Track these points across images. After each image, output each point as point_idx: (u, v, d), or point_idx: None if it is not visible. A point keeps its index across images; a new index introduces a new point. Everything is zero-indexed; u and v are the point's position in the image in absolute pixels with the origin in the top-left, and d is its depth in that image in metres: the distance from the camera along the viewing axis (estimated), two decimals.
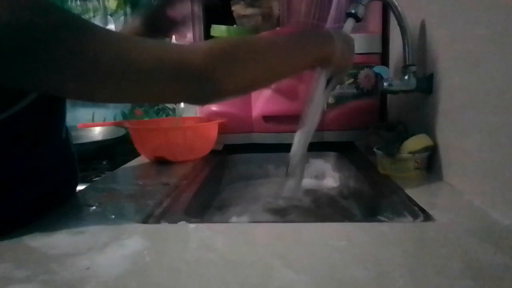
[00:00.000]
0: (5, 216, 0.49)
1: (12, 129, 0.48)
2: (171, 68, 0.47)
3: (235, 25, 1.10)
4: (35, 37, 0.40)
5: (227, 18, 1.10)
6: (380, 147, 0.73)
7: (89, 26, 0.44)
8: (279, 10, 1.06)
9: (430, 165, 0.71)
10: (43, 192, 0.55)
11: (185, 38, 1.11)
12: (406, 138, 0.71)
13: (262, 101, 1.04)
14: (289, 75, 0.61)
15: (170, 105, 1.51)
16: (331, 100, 1.02)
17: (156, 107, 1.51)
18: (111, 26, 1.48)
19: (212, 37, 1.08)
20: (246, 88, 0.58)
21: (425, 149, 0.69)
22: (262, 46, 0.56)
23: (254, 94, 1.05)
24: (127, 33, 0.51)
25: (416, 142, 0.69)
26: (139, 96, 0.51)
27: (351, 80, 1.01)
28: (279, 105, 1.03)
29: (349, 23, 0.70)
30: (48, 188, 0.56)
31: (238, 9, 1.08)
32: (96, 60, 0.43)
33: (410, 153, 0.69)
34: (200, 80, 0.49)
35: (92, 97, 0.50)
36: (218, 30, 1.07)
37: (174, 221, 0.54)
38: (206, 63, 0.49)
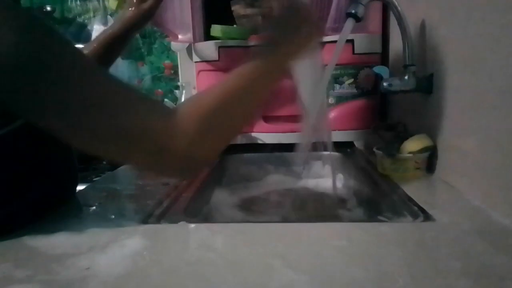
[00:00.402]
0: (6, 216, 0.49)
1: (16, 139, 0.48)
2: (151, 144, 0.45)
3: (235, 25, 1.10)
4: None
5: (228, 18, 1.10)
6: (380, 147, 0.73)
7: (84, 71, 0.44)
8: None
9: (430, 165, 0.71)
10: (44, 193, 0.54)
11: (176, 39, 1.11)
12: (406, 138, 0.71)
13: None
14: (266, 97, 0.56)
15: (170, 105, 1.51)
16: (331, 100, 1.02)
17: None
18: None
19: (212, 37, 1.08)
20: (227, 143, 0.53)
21: (425, 149, 0.69)
22: (235, 97, 0.51)
23: None
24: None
25: (416, 142, 0.69)
26: (111, 157, 0.48)
27: (351, 80, 1.01)
28: (279, 105, 1.03)
29: (349, 23, 0.70)
30: (49, 189, 0.55)
31: (237, 9, 1.08)
32: (69, 105, 0.42)
33: (410, 153, 0.69)
34: (183, 160, 0.47)
35: (67, 138, 0.47)
36: (218, 30, 1.07)
37: (174, 221, 0.54)
38: (190, 145, 0.46)
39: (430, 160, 0.70)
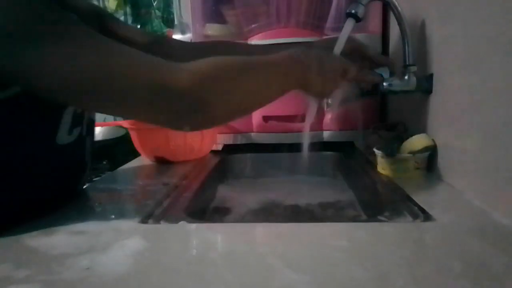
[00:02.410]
0: (8, 212, 0.50)
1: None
2: (154, 88, 0.46)
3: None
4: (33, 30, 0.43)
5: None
6: (380, 147, 0.73)
7: (82, 33, 0.46)
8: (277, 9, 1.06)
9: (430, 165, 0.71)
10: (28, 195, 0.53)
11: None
12: (406, 138, 0.71)
13: None
14: (270, 99, 0.60)
15: None
16: (331, 100, 1.02)
17: None
18: None
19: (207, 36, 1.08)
20: (236, 111, 0.57)
21: (425, 149, 0.69)
22: (244, 67, 0.54)
23: None
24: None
25: (416, 142, 0.69)
26: (122, 112, 0.52)
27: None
28: (279, 105, 1.03)
29: (349, 23, 0.70)
30: (36, 191, 0.54)
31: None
32: (77, 65, 0.45)
33: (410, 153, 0.69)
34: (187, 105, 0.48)
35: (70, 102, 0.51)
36: (213, 28, 1.07)
37: (174, 221, 0.54)
38: (193, 86, 0.48)
39: (430, 160, 0.70)
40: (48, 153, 0.55)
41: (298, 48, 0.61)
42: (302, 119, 0.75)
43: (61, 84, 0.45)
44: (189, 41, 1.12)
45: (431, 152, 0.70)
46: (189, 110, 0.49)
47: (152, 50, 0.74)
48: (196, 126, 0.53)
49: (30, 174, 0.54)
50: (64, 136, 0.56)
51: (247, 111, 0.65)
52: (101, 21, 0.70)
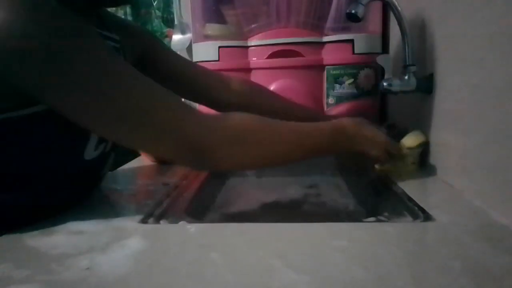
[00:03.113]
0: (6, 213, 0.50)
1: (19, 130, 0.47)
2: (183, 140, 0.50)
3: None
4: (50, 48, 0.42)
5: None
6: None
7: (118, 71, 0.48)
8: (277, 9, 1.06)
9: (423, 159, 0.74)
10: (44, 202, 0.54)
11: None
12: (401, 135, 0.73)
13: None
14: (296, 162, 0.63)
15: None
16: (331, 100, 1.02)
17: None
18: None
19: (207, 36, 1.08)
20: (244, 168, 0.64)
21: (421, 145, 0.72)
22: (275, 134, 0.57)
23: None
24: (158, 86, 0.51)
25: (413, 139, 0.72)
26: (131, 145, 0.54)
27: (351, 80, 1.01)
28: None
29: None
30: (49, 199, 0.54)
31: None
32: (112, 100, 0.46)
33: (408, 149, 0.72)
34: (200, 155, 0.51)
35: (91, 127, 0.51)
36: (213, 28, 1.07)
37: (174, 221, 0.54)
38: (212, 144, 0.51)
39: (422, 155, 0.74)
40: (75, 167, 0.55)
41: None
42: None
43: (80, 111, 0.47)
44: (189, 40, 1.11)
45: (425, 147, 0.73)
46: (197, 160, 0.52)
47: (198, 81, 0.77)
48: (201, 170, 0.59)
49: (54, 185, 0.54)
50: (91, 152, 0.56)
51: (261, 167, 0.71)
52: (145, 46, 0.72)
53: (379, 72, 1.00)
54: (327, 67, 1.01)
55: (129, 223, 0.53)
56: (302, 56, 1.01)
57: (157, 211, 0.58)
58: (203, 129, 0.51)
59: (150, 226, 0.52)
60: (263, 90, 0.88)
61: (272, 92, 0.92)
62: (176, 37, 1.38)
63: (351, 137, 0.63)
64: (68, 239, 0.47)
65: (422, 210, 0.53)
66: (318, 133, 0.61)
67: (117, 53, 0.58)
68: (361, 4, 0.71)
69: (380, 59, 0.77)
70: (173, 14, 1.41)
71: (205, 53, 1.06)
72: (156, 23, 1.50)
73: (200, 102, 0.86)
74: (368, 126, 0.66)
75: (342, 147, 0.65)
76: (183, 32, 1.37)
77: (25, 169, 0.50)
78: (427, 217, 0.50)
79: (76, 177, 0.57)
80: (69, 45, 0.44)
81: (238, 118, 0.54)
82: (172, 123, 0.49)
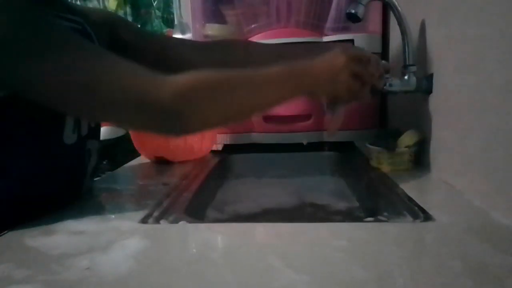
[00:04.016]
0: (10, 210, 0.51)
1: None
2: (136, 101, 0.49)
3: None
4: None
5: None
6: (374, 142, 0.78)
7: (71, 45, 0.49)
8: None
9: (418, 157, 0.76)
10: (33, 193, 0.54)
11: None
12: (398, 134, 0.76)
13: None
14: (273, 106, 0.58)
15: None
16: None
17: None
18: None
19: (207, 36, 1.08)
20: (217, 124, 0.59)
21: (418, 142, 0.74)
22: (238, 81, 0.54)
23: None
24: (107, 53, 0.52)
25: (410, 137, 0.75)
26: (106, 120, 0.57)
27: None
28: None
29: None
30: (35, 188, 0.55)
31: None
32: (58, 74, 0.48)
33: (406, 147, 0.74)
34: (167, 117, 0.50)
35: (59, 109, 0.53)
36: (213, 28, 1.07)
37: (174, 221, 0.54)
38: (174, 100, 0.49)
39: (418, 153, 0.76)
40: (57, 152, 0.57)
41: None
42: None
43: (49, 95, 0.49)
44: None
45: (421, 145, 0.75)
46: (168, 122, 0.51)
47: (163, 54, 0.75)
48: (175, 135, 0.56)
49: (40, 174, 0.55)
50: (70, 134, 0.57)
51: (238, 120, 0.64)
52: (113, 27, 0.72)
53: None
54: None
55: (129, 223, 0.53)
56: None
57: (157, 211, 0.58)
58: (164, 93, 0.49)
59: (150, 226, 0.52)
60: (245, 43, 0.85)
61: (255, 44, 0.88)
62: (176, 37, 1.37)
63: (314, 80, 0.58)
64: (68, 239, 0.47)
65: (422, 210, 0.53)
66: (278, 78, 0.56)
67: (78, 33, 0.58)
68: (361, 4, 0.71)
69: None
70: (173, 14, 1.41)
71: None
72: (156, 23, 1.50)
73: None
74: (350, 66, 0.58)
75: (306, 91, 0.60)
76: (183, 32, 1.37)
77: (6, 157, 0.52)
78: (427, 217, 0.50)
79: (61, 164, 0.58)
80: (28, 27, 0.47)
81: (193, 76, 0.52)
82: (134, 90, 0.49)
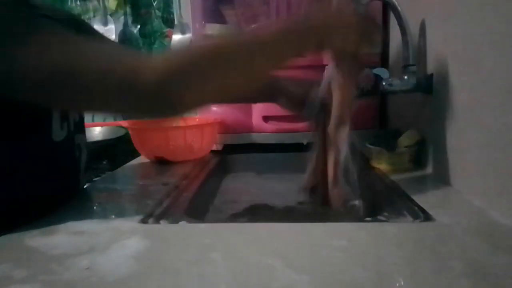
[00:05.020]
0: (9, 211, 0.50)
1: None
2: (119, 82, 0.46)
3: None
4: None
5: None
6: (374, 142, 0.78)
7: (41, 26, 0.47)
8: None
9: (418, 157, 0.76)
10: (25, 192, 0.54)
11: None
12: (398, 135, 0.77)
13: None
14: (270, 72, 0.55)
15: None
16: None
17: None
18: (111, 26, 1.48)
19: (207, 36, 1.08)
20: (209, 100, 0.55)
21: (417, 143, 0.75)
22: (224, 55, 0.50)
23: None
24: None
25: (409, 138, 0.76)
26: (87, 106, 0.52)
27: None
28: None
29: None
30: (33, 188, 0.55)
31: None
32: (39, 61, 0.45)
33: (406, 147, 0.75)
34: (154, 98, 0.47)
35: (40, 100, 0.49)
36: (213, 28, 1.07)
37: (174, 221, 0.54)
38: (159, 81, 0.46)
39: (418, 153, 0.77)
40: (47, 151, 0.56)
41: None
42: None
43: (31, 84, 0.46)
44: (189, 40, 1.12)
45: (420, 145, 0.76)
46: (158, 103, 0.48)
47: None
48: (169, 115, 0.55)
49: (30, 172, 0.54)
50: (58, 131, 0.57)
51: (231, 94, 0.61)
52: (78, 31, 0.71)
53: None
54: (327, 67, 1.01)
55: (129, 223, 0.53)
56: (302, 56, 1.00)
57: (157, 211, 0.58)
58: (150, 72, 0.46)
59: (150, 226, 0.52)
60: None
61: None
62: (176, 37, 1.38)
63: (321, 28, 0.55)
64: (68, 239, 0.47)
65: (422, 210, 0.53)
66: (278, 35, 0.53)
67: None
68: (361, 4, 0.70)
69: (377, 71, 0.79)
70: (173, 14, 1.41)
71: None
72: (156, 23, 1.50)
73: None
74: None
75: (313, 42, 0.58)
76: (183, 32, 1.37)
77: None
78: (427, 217, 0.51)
79: (53, 163, 0.58)
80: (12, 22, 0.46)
81: (180, 51, 0.50)
82: (118, 72, 0.46)
